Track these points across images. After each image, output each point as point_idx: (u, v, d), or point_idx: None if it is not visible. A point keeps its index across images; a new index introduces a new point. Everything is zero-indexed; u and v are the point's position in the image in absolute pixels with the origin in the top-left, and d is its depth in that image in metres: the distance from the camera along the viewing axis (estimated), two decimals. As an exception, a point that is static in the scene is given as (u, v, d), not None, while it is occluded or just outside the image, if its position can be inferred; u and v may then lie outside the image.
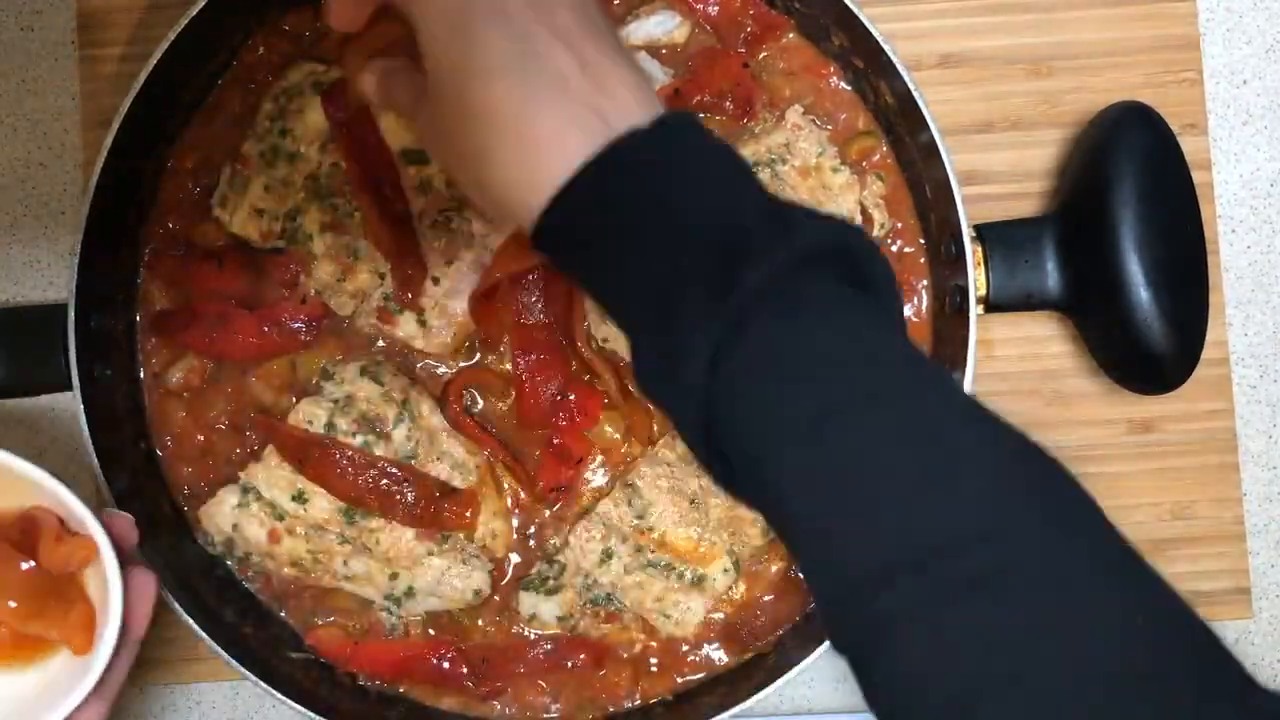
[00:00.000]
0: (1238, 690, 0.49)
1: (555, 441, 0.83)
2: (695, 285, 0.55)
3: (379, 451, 0.81)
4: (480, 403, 0.85)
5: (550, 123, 0.58)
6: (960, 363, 0.79)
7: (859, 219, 0.84)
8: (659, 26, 0.85)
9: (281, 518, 0.81)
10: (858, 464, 0.53)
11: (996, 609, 0.49)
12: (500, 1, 0.59)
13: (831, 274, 0.56)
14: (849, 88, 0.86)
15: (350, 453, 0.80)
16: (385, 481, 0.80)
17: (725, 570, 0.82)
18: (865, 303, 0.57)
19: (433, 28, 0.61)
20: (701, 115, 0.84)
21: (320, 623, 0.84)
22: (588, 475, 0.84)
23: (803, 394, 0.54)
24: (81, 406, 0.79)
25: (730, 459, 0.57)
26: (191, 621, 0.78)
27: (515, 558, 0.84)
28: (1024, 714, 0.48)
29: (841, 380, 0.54)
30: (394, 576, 0.82)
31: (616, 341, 0.82)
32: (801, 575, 0.58)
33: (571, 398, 0.83)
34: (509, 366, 0.84)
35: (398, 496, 0.80)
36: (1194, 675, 0.49)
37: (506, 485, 0.84)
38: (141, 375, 0.85)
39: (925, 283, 0.85)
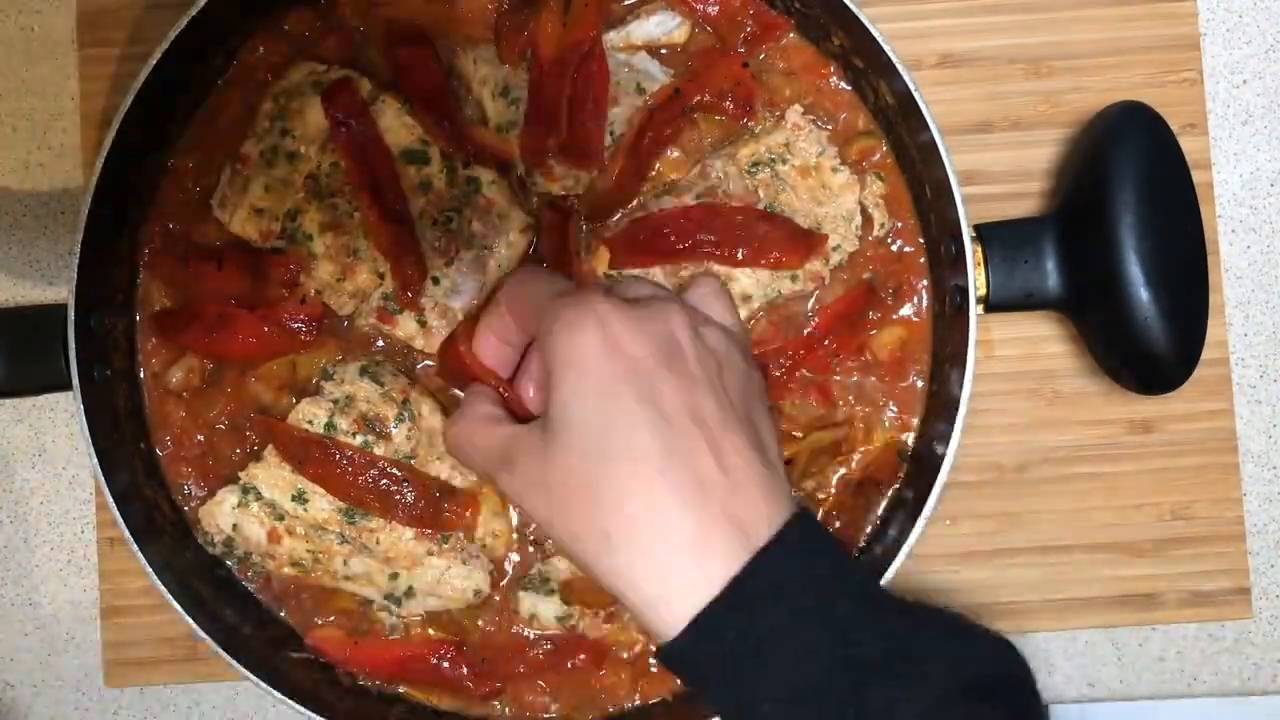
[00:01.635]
0: None
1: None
2: (850, 699, 0.55)
3: (379, 451, 0.81)
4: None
5: (690, 531, 0.58)
6: (960, 363, 0.79)
7: (859, 219, 0.84)
8: (659, 26, 0.85)
9: (281, 518, 0.81)
10: None
11: None
12: (651, 380, 0.59)
13: (975, 701, 0.56)
14: (849, 88, 0.86)
15: (350, 453, 0.80)
16: (385, 481, 0.80)
17: (725, 570, 0.82)
18: None
19: (577, 387, 0.60)
20: (701, 115, 0.85)
21: (320, 623, 0.84)
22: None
23: None
24: (81, 406, 0.79)
25: None
26: (191, 621, 0.78)
27: (515, 557, 0.84)
28: None
29: None
30: (394, 576, 0.82)
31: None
32: None
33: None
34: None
35: (398, 496, 0.80)
36: None
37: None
38: (141, 375, 0.85)
39: (925, 283, 0.85)
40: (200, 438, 0.85)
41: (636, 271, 0.81)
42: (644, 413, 0.59)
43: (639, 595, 0.59)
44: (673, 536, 0.58)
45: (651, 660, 0.84)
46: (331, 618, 0.84)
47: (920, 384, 0.85)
